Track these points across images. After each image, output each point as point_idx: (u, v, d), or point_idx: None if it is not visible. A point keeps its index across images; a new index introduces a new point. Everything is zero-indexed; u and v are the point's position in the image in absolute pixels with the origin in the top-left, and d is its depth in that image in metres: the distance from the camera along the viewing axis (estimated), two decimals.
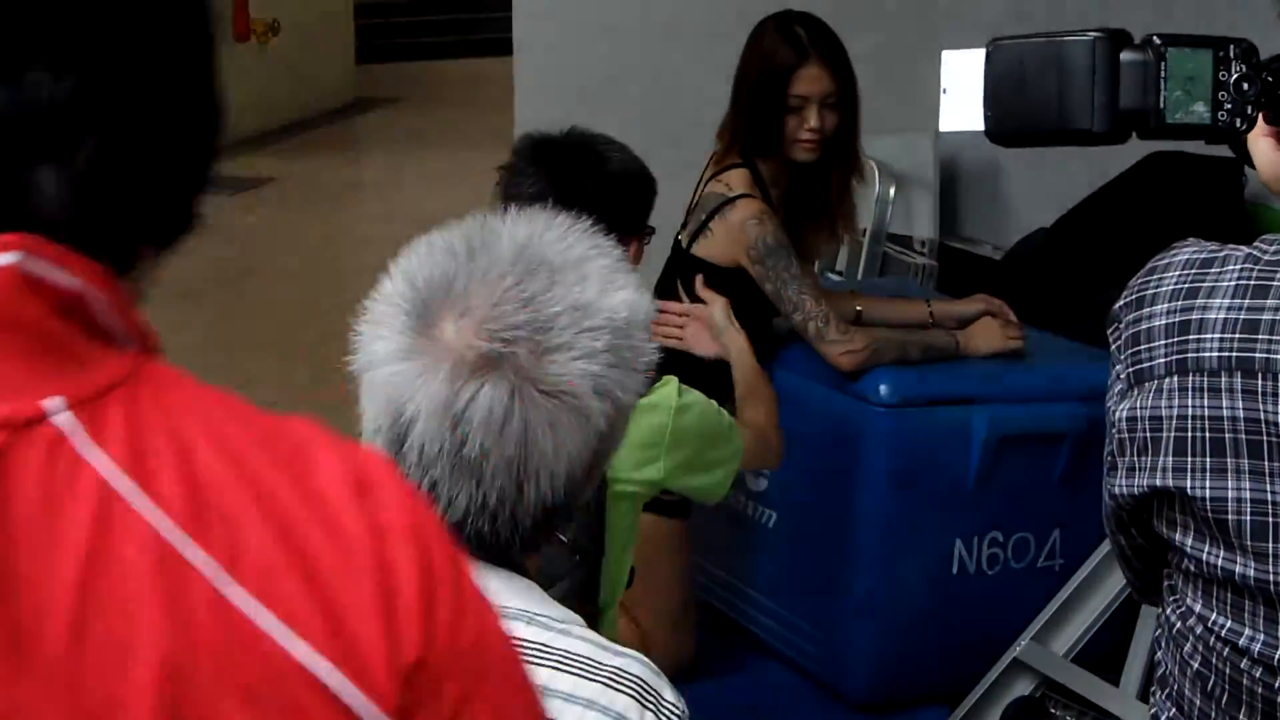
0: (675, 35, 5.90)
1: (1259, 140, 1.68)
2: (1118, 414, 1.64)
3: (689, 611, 3.96)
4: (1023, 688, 3.72)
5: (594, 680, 1.51)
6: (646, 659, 1.55)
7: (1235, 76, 1.66)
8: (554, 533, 1.59)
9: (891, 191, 5.21)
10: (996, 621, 3.77)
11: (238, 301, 8.80)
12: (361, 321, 1.58)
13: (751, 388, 3.31)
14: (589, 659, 1.52)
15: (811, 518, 3.91)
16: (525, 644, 1.52)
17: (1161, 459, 1.59)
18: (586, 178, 2.90)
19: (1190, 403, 1.56)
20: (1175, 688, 1.65)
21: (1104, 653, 3.74)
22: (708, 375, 3.75)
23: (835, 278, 5.08)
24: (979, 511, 3.81)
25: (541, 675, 1.50)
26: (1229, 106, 1.67)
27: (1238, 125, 1.67)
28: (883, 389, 3.73)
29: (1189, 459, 1.56)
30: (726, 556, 4.14)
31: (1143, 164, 4.63)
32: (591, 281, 1.57)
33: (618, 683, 1.51)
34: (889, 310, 4.06)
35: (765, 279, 3.77)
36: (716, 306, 3.49)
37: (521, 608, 1.55)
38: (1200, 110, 1.68)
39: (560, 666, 1.51)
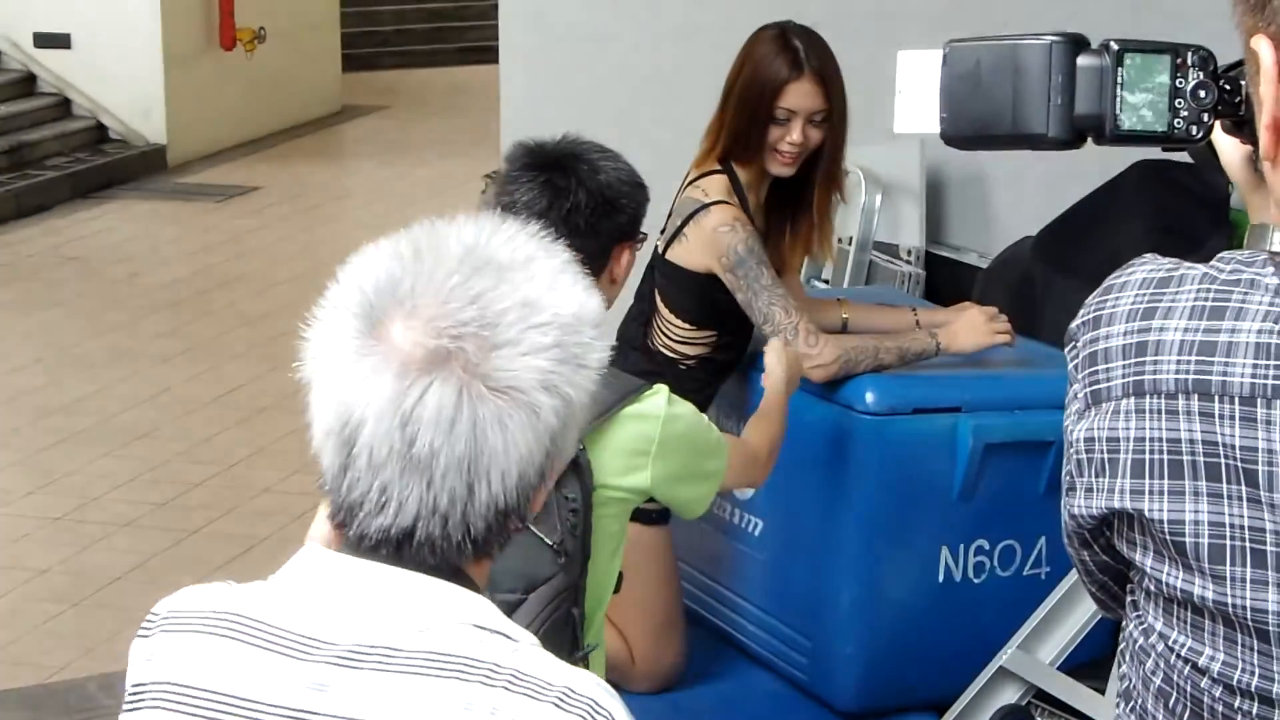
0: (662, 42, 5.90)
1: (1223, 140, 1.68)
2: (1075, 434, 1.63)
3: (677, 620, 3.95)
4: (1009, 696, 3.72)
5: (543, 701, 1.48)
6: (600, 679, 1.53)
7: (1192, 84, 1.66)
8: (507, 538, 1.57)
9: (878, 200, 5.21)
10: (983, 629, 3.77)
11: (223, 309, 8.80)
12: (309, 329, 1.56)
13: (770, 411, 3.35)
14: (538, 679, 1.49)
15: (798, 525, 3.90)
16: (475, 663, 1.49)
17: (1119, 481, 1.58)
18: (579, 185, 2.91)
19: (1147, 425, 1.55)
20: (1139, 702, 1.65)
21: (1090, 660, 3.74)
22: (694, 385, 3.76)
23: (821, 286, 5.08)
24: (965, 519, 3.80)
25: (491, 697, 1.48)
26: (1185, 114, 1.66)
27: (1193, 133, 1.66)
28: (869, 397, 3.73)
29: (1146, 481, 1.55)
30: (713, 564, 4.13)
31: (1129, 172, 4.63)
32: (539, 279, 1.56)
33: (567, 703, 1.48)
34: (875, 318, 4.06)
35: (736, 288, 3.76)
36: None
37: (473, 623, 1.53)
38: (1156, 117, 1.68)
39: (510, 687, 1.48)
